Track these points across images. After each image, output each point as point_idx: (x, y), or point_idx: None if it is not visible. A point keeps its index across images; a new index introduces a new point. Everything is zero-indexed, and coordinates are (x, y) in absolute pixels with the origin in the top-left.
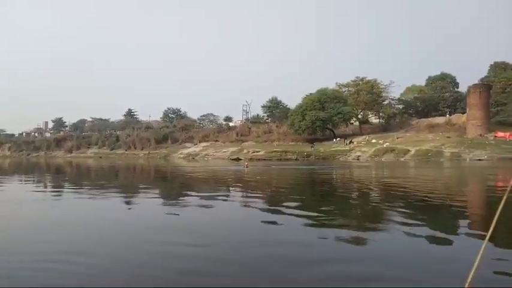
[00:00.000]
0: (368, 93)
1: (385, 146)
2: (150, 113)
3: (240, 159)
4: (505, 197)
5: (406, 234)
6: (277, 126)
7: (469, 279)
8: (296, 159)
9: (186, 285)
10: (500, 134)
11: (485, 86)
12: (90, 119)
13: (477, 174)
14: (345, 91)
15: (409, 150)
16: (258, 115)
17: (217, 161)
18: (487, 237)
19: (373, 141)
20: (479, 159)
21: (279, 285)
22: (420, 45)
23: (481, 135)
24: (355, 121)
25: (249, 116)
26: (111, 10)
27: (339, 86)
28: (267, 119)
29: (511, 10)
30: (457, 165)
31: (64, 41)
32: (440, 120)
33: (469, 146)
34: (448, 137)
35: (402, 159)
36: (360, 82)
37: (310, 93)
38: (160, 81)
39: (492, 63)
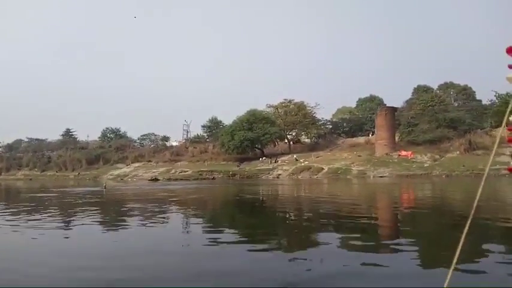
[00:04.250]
0: (295, 115)
1: (303, 164)
2: (91, 132)
3: (158, 180)
4: (469, 221)
5: (339, 250)
6: (213, 146)
7: (447, 280)
8: (213, 179)
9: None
10: (404, 152)
11: (390, 109)
12: (27, 139)
13: (381, 190)
14: (274, 112)
15: (322, 168)
16: (198, 135)
17: (142, 182)
18: (460, 245)
19: (296, 160)
20: (381, 176)
21: None
22: (352, 68)
23: (387, 154)
24: (289, 140)
25: (189, 135)
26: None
27: (269, 107)
28: (207, 138)
29: (433, 39)
30: (362, 182)
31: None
32: (361, 140)
33: (375, 164)
34: (359, 156)
35: (315, 176)
36: (288, 104)
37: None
38: (102, 100)
39: (416, 86)
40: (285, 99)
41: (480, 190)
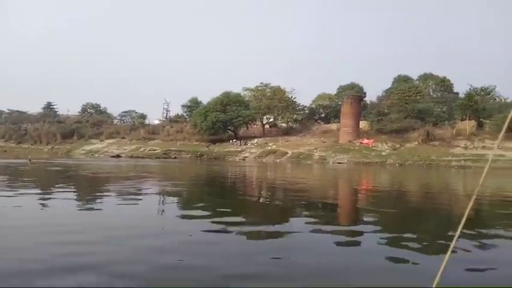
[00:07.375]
0: (271, 99)
1: (269, 148)
2: (72, 107)
3: (120, 157)
4: (468, 209)
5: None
6: (190, 127)
7: (436, 279)
8: (174, 158)
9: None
10: (365, 140)
11: (356, 97)
12: (8, 111)
13: (340, 176)
14: (251, 95)
15: (287, 153)
16: (178, 114)
17: (107, 158)
18: (454, 240)
19: (265, 143)
20: (340, 163)
21: None
22: (336, 56)
23: (350, 141)
24: (265, 124)
25: (169, 114)
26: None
27: (245, 90)
28: (187, 118)
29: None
30: (320, 167)
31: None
32: (333, 126)
33: (336, 151)
34: (323, 142)
35: (279, 160)
36: (264, 87)
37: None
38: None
39: (396, 76)
40: (261, 83)
41: (480, 184)
